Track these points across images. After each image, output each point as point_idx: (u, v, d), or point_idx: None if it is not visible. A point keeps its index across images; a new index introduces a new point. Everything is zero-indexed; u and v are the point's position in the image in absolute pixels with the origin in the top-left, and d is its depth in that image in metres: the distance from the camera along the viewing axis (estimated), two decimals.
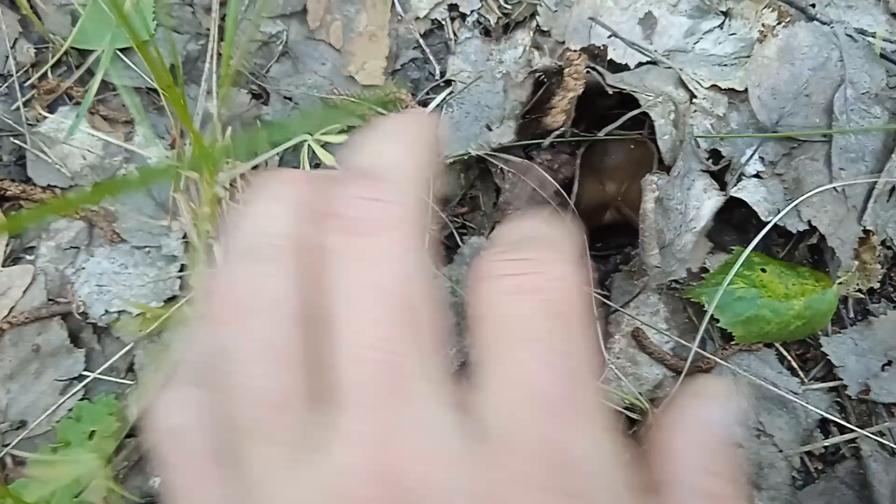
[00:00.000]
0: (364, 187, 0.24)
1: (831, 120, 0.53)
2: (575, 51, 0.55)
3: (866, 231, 0.53)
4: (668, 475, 0.26)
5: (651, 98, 0.54)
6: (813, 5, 0.65)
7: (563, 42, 0.62)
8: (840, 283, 0.54)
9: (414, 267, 0.23)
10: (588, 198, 0.57)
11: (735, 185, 0.53)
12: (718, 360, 0.54)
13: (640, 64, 0.59)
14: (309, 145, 0.57)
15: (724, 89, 0.56)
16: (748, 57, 0.57)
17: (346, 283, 0.23)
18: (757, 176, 0.54)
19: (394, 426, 0.20)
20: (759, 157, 0.55)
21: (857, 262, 0.54)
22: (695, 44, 0.59)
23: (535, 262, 0.23)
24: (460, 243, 0.60)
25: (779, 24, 0.58)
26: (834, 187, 0.52)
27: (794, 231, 0.53)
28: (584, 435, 0.21)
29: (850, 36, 0.57)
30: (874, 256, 0.54)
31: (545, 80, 0.57)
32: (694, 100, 0.55)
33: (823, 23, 0.63)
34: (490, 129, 0.59)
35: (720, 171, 0.54)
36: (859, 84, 0.55)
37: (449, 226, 0.61)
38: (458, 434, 0.21)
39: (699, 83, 0.56)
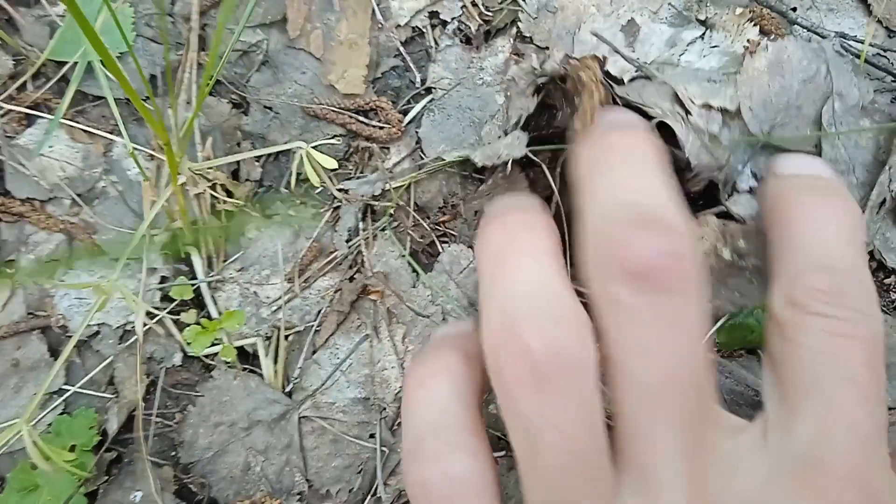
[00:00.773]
0: (656, 237, 0.25)
1: (819, 131, 0.53)
2: (581, 58, 0.55)
3: None
4: None
5: (660, 112, 0.53)
6: (794, 9, 0.65)
7: (546, 48, 0.62)
8: None
9: (703, 331, 0.24)
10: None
11: (728, 200, 0.53)
12: None
13: (633, 78, 0.59)
14: (304, 154, 0.57)
15: (718, 108, 0.56)
16: (735, 73, 0.56)
17: (642, 344, 0.24)
18: (750, 191, 0.54)
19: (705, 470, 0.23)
20: (752, 172, 0.55)
21: None
22: (680, 55, 0.59)
23: (856, 313, 0.25)
24: (441, 251, 0.60)
25: (765, 37, 0.58)
26: None
27: None
28: (885, 471, 0.23)
29: (837, 51, 0.57)
30: None
31: (543, 87, 0.56)
32: (689, 116, 0.55)
33: (805, 27, 0.63)
34: (477, 131, 0.58)
35: (712, 185, 0.54)
36: (847, 97, 0.55)
37: (430, 234, 0.61)
38: (767, 458, 0.23)
39: (692, 100, 0.55)
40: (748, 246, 0.55)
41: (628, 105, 0.53)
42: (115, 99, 0.63)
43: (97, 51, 0.38)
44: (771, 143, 0.54)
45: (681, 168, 0.55)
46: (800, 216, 0.30)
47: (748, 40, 0.58)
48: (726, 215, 0.57)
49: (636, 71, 0.59)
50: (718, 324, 0.56)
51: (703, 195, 0.59)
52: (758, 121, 0.54)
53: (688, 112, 0.53)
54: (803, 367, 0.24)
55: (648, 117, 0.53)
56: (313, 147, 0.57)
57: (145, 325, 0.58)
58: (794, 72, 0.55)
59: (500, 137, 0.55)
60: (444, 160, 0.60)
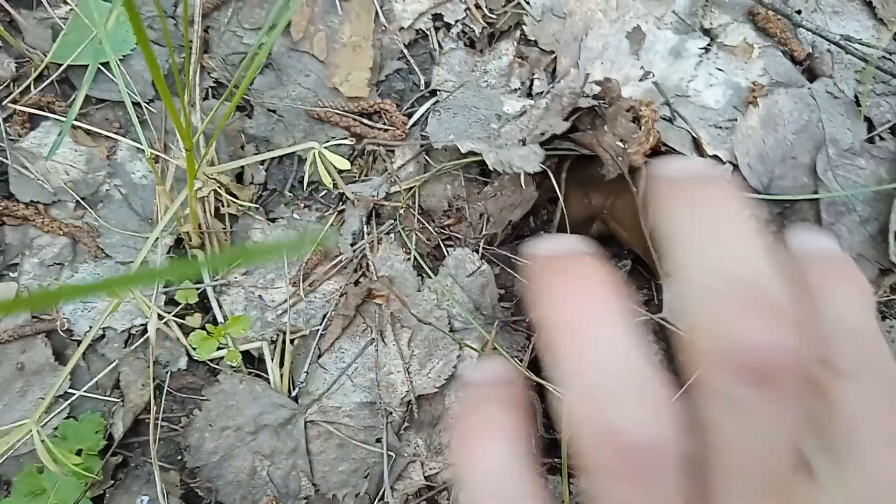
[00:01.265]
0: (768, 326, 0.24)
1: (815, 178, 0.54)
2: (644, 101, 0.54)
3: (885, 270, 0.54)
4: None
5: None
6: (799, 12, 0.65)
7: (551, 52, 0.62)
8: None
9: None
10: (574, 210, 0.57)
11: None
12: None
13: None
14: (317, 154, 0.57)
15: (727, 161, 0.57)
16: (736, 120, 0.57)
17: (745, 436, 0.24)
18: None
19: None
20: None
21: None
22: (689, 82, 0.59)
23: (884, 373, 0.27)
24: (446, 254, 0.60)
25: (758, 90, 0.59)
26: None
27: None
28: None
29: (830, 93, 0.58)
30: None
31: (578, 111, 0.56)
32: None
33: (810, 30, 0.63)
34: (485, 127, 0.58)
35: None
36: (841, 141, 0.56)
37: (435, 237, 0.61)
38: None
39: (706, 148, 0.56)
40: None
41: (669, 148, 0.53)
42: (116, 102, 0.63)
43: (147, 60, 0.37)
44: (773, 194, 0.54)
45: None
46: (825, 295, 0.32)
47: (753, 87, 0.58)
48: None
49: (648, 78, 0.59)
50: None
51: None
52: (756, 175, 0.55)
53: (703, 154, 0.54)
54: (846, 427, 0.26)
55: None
56: (328, 147, 0.57)
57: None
58: (787, 124, 0.56)
59: (516, 144, 0.55)
60: (451, 161, 0.60)
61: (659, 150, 0.53)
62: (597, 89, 0.53)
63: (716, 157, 0.55)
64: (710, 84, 0.60)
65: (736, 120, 0.57)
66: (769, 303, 0.25)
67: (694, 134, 0.55)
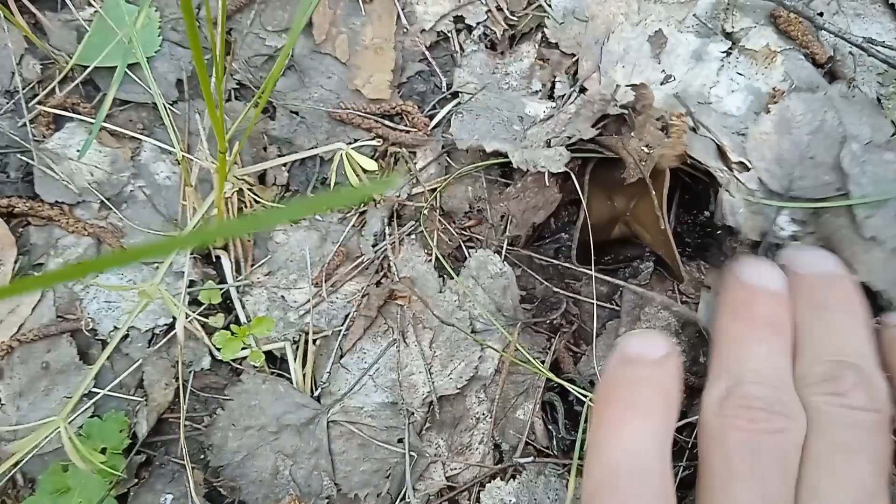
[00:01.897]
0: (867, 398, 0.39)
1: (843, 174, 0.54)
2: (675, 113, 0.54)
3: None
4: None
5: (722, 175, 0.54)
6: (821, 14, 0.65)
7: (573, 55, 0.62)
8: None
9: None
10: (597, 212, 0.57)
11: (776, 252, 0.54)
12: None
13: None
14: (344, 155, 0.57)
15: (753, 167, 0.57)
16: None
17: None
18: (793, 237, 0.55)
19: None
20: (791, 218, 0.55)
21: None
22: (711, 88, 0.59)
23: (864, 399, 0.38)
24: (467, 255, 0.60)
25: (775, 94, 0.59)
26: (862, 235, 0.52)
27: None
28: None
29: (843, 96, 0.58)
30: None
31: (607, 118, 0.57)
32: (735, 177, 0.56)
33: (832, 33, 0.62)
34: (507, 128, 0.58)
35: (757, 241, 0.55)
36: (861, 136, 0.55)
37: (456, 238, 0.61)
38: None
39: (729, 151, 0.56)
40: None
41: (694, 166, 0.53)
42: (140, 103, 0.64)
43: (196, 62, 0.38)
44: (796, 195, 0.54)
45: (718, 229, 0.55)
46: (821, 322, 0.40)
47: (772, 89, 0.58)
48: None
49: (666, 85, 0.59)
50: None
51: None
52: (776, 179, 0.55)
53: (731, 170, 0.54)
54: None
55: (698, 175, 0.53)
56: (353, 148, 0.57)
57: (172, 328, 0.58)
58: (801, 126, 0.56)
59: (542, 146, 0.55)
60: (473, 162, 0.61)
61: (684, 160, 0.53)
62: (630, 96, 0.53)
63: (740, 163, 0.55)
64: (731, 90, 0.60)
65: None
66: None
67: (718, 142, 0.55)
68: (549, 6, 0.64)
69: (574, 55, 0.62)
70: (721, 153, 0.55)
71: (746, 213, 0.54)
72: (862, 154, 0.54)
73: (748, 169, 0.54)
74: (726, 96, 0.59)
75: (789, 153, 0.55)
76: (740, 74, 0.61)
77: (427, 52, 0.65)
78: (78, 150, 0.61)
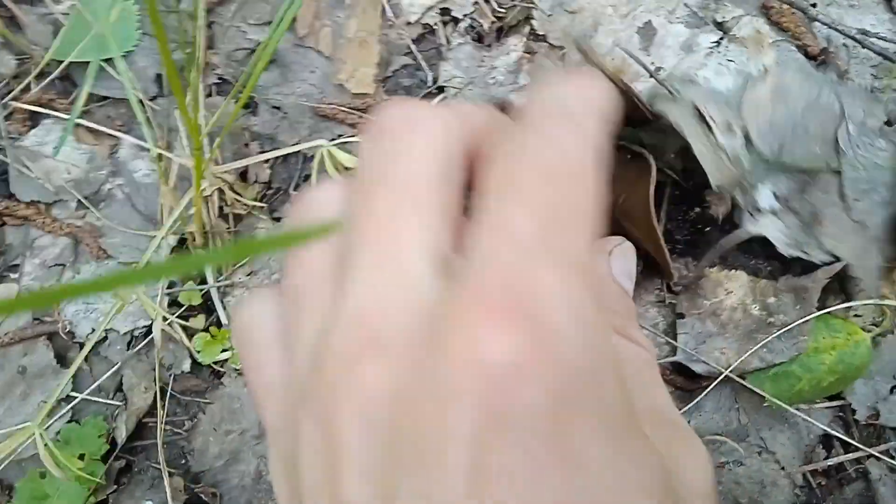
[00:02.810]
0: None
1: (837, 152, 0.53)
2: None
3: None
4: None
5: (686, 130, 0.52)
6: (814, 5, 0.64)
7: (561, 48, 0.61)
8: (874, 333, 0.52)
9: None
10: None
11: (751, 221, 0.52)
12: (721, 369, 0.53)
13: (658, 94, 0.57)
14: (326, 152, 0.55)
15: (739, 127, 0.55)
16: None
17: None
18: (772, 212, 0.53)
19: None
20: (773, 192, 0.54)
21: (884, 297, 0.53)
22: (698, 70, 0.57)
23: (543, 129, 0.26)
24: None
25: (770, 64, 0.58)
26: (851, 218, 0.51)
27: (819, 263, 0.52)
28: (554, 272, 0.22)
29: (844, 79, 0.56)
30: (894, 288, 0.53)
31: None
32: (713, 135, 0.54)
33: (826, 24, 0.61)
34: None
35: (734, 207, 0.54)
36: (855, 117, 0.54)
37: None
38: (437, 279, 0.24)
39: (713, 118, 0.54)
40: (778, 303, 0.54)
41: (657, 116, 0.51)
42: (118, 99, 0.62)
43: (161, 49, 0.36)
44: (787, 163, 0.53)
45: (703, 189, 0.54)
46: None
47: (763, 65, 0.57)
48: (754, 271, 0.56)
49: (652, 80, 0.58)
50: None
51: (724, 222, 0.58)
52: (766, 142, 0.53)
53: (710, 130, 0.52)
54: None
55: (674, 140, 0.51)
56: (335, 145, 0.56)
57: (151, 330, 0.57)
58: (797, 97, 0.54)
59: None
60: None
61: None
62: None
63: (728, 124, 0.53)
64: (720, 73, 0.59)
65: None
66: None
67: (699, 106, 0.53)
68: None
69: (563, 48, 0.61)
70: (700, 117, 0.53)
71: (719, 165, 0.52)
72: (857, 137, 0.53)
73: (731, 128, 0.53)
74: (714, 78, 0.58)
75: (783, 119, 0.53)
76: (730, 61, 0.59)
77: (412, 46, 0.64)
78: (54, 148, 0.60)
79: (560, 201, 0.23)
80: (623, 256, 0.36)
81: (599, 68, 0.48)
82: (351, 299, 0.24)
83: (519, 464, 0.19)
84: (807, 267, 0.54)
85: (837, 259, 0.52)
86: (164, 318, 0.53)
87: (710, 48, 0.59)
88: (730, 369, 0.51)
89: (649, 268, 0.58)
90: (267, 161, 0.62)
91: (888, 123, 0.54)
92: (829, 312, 0.53)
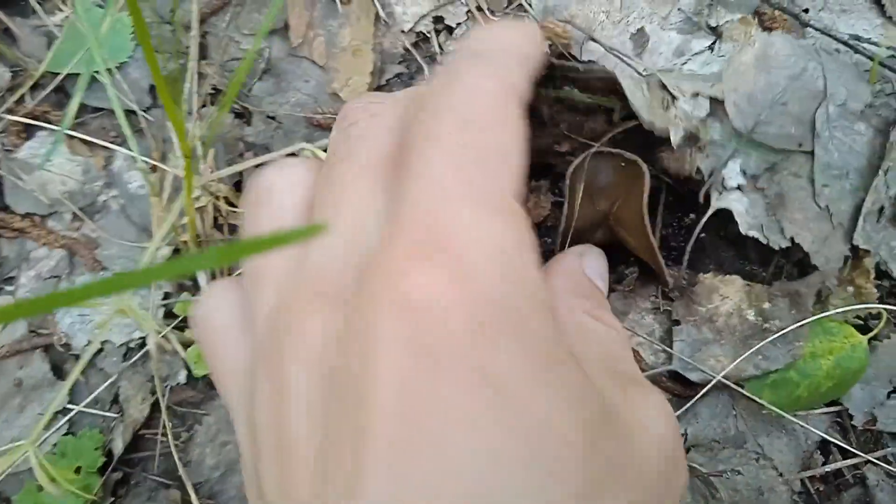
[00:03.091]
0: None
1: (813, 133, 0.52)
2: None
3: (856, 251, 0.52)
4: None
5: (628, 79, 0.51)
6: (806, 11, 0.64)
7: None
8: (873, 339, 0.52)
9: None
10: (580, 216, 0.56)
11: (718, 197, 0.52)
12: (716, 375, 0.53)
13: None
14: (310, 155, 0.56)
15: (707, 97, 0.55)
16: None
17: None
18: (738, 189, 0.53)
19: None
20: (741, 170, 0.53)
21: (851, 288, 0.52)
22: (683, 65, 0.57)
23: (457, 76, 0.27)
24: None
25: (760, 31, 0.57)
26: (818, 204, 0.51)
27: (777, 247, 0.51)
28: (473, 211, 0.23)
29: (833, 51, 0.56)
30: (868, 279, 0.52)
31: None
32: (675, 101, 0.54)
33: (818, 29, 0.61)
34: None
35: (700, 182, 0.53)
36: (838, 97, 0.54)
37: None
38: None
39: (681, 91, 0.54)
40: (773, 308, 0.53)
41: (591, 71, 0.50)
42: (112, 111, 0.62)
43: (148, 59, 0.36)
44: (757, 140, 0.52)
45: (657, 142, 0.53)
46: None
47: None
48: (750, 276, 0.56)
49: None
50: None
51: (693, 200, 0.58)
52: (742, 116, 0.52)
53: (673, 96, 0.52)
54: None
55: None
56: (319, 146, 0.56)
57: (147, 342, 0.57)
58: (781, 68, 0.53)
59: None
60: None
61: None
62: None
63: (695, 93, 0.52)
64: (706, 64, 0.58)
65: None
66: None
67: (663, 79, 0.52)
68: (530, 6, 0.62)
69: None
70: (663, 86, 0.52)
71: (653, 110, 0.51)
72: (836, 119, 0.52)
73: (698, 96, 0.51)
74: (700, 69, 0.58)
75: (762, 93, 0.53)
76: (720, 56, 0.59)
77: (406, 54, 0.64)
78: (49, 160, 0.60)
79: (477, 144, 0.25)
80: (594, 258, 0.39)
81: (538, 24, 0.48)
82: (307, 261, 0.26)
83: (444, 391, 0.20)
84: (802, 271, 0.54)
85: (796, 245, 0.51)
86: (157, 331, 0.53)
87: (702, 52, 0.59)
88: (722, 374, 0.51)
89: (645, 275, 0.58)
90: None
91: (869, 106, 0.53)
92: (826, 316, 0.53)
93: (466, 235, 0.23)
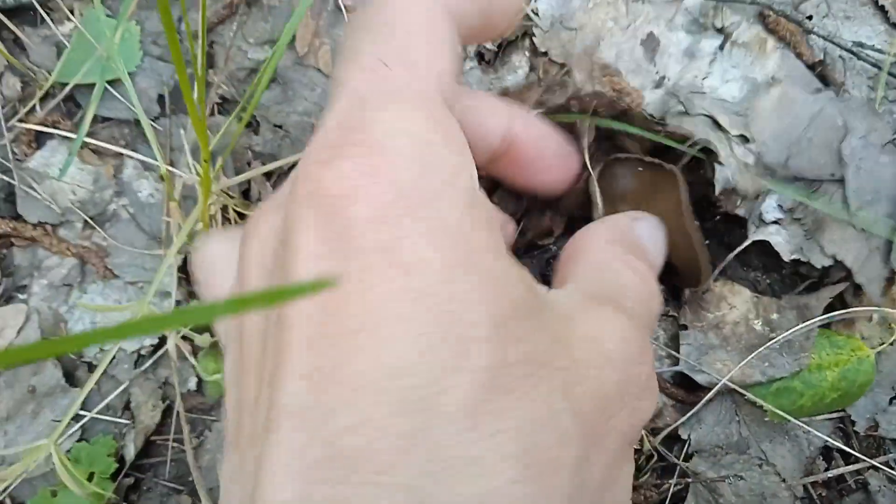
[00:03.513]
0: None
1: (841, 163, 0.53)
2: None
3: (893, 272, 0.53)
4: (579, 254, 0.35)
5: (703, 137, 0.52)
6: (810, 17, 0.64)
7: (563, 65, 0.61)
8: (880, 351, 0.53)
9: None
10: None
11: (755, 231, 0.53)
12: (721, 379, 0.54)
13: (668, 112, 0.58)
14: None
15: (750, 139, 0.56)
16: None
17: None
18: (777, 223, 0.54)
19: None
20: (778, 204, 0.54)
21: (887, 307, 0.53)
22: (703, 79, 0.58)
23: None
24: None
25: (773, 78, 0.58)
26: (853, 225, 0.52)
27: (819, 266, 0.52)
28: (392, 110, 0.26)
29: (836, 95, 0.57)
30: None
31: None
32: (731, 142, 0.55)
33: (822, 37, 0.62)
34: None
35: (737, 216, 0.54)
36: (857, 131, 0.55)
37: None
38: None
39: (728, 130, 0.55)
40: (781, 319, 0.54)
41: (671, 135, 0.51)
42: (122, 120, 0.63)
43: (176, 62, 0.37)
44: (793, 173, 0.53)
45: (711, 194, 0.54)
46: None
47: (771, 77, 0.58)
48: (759, 287, 0.56)
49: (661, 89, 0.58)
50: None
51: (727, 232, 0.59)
52: (773, 153, 0.54)
53: (729, 138, 0.53)
54: None
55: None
56: None
57: (157, 349, 0.58)
58: (801, 109, 0.55)
59: None
60: None
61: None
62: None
63: (742, 136, 0.54)
64: (725, 80, 0.59)
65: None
66: None
67: (714, 118, 0.54)
68: (536, 15, 0.63)
69: (563, 65, 0.61)
70: (718, 126, 0.54)
71: (742, 181, 0.53)
72: (861, 150, 0.53)
73: (748, 141, 0.53)
74: (721, 86, 0.59)
75: (789, 129, 0.54)
76: (734, 67, 0.60)
77: None
78: (60, 169, 0.61)
79: (399, 53, 0.28)
80: (647, 222, 0.40)
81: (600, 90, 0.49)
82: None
83: (354, 274, 0.22)
84: (810, 286, 0.55)
85: (839, 262, 0.52)
86: (164, 339, 0.54)
87: (714, 53, 0.60)
88: (728, 376, 0.52)
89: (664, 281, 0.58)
90: (269, 179, 0.62)
91: (894, 143, 0.54)
92: (832, 329, 0.54)
93: (383, 130, 0.25)
